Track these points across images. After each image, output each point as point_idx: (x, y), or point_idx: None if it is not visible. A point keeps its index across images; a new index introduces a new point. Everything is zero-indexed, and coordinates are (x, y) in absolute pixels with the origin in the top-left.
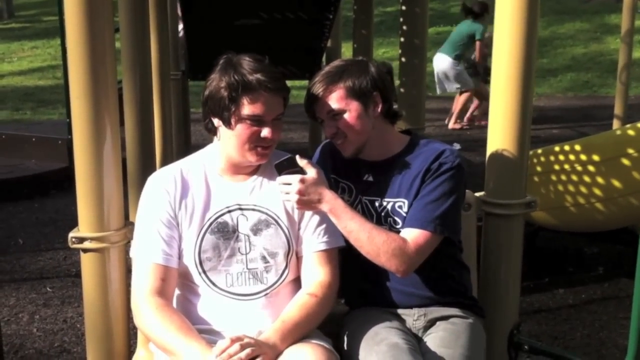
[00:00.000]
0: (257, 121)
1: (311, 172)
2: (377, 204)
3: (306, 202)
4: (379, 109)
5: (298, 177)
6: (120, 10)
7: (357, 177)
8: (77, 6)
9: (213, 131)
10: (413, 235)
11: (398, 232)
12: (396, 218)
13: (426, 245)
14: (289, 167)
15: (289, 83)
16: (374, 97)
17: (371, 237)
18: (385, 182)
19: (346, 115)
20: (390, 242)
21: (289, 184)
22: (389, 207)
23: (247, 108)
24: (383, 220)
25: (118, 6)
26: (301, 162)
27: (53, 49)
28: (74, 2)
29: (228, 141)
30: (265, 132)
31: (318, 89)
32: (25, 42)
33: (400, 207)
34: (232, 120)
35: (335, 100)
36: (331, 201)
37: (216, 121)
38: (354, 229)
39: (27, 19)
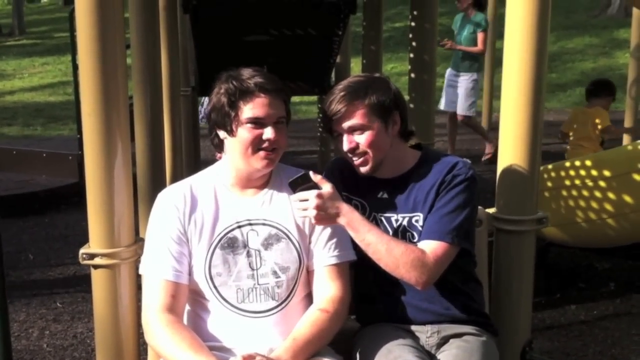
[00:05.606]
0: (257, 124)
1: (326, 187)
2: (393, 220)
3: (324, 217)
4: (397, 128)
5: (315, 192)
6: (131, 27)
7: (370, 194)
8: (88, 23)
9: (219, 146)
10: (431, 247)
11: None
12: (413, 232)
13: (445, 257)
14: (304, 183)
15: (297, 99)
16: (394, 115)
17: (389, 248)
18: (400, 198)
19: (367, 133)
20: (409, 253)
21: (306, 200)
22: (405, 222)
23: (246, 111)
24: (400, 235)
25: (129, 23)
26: (315, 177)
27: (64, 65)
28: (86, 19)
29: (233, 151)
30: (268, 133)
31: (340, 103)
32: (36, 58)
33: (416, 221)
34: (234, 126)
35: (358, 117)
36: (348, 214)
37: (221, 133)
38: (372, 241)
39: (38, 35)
